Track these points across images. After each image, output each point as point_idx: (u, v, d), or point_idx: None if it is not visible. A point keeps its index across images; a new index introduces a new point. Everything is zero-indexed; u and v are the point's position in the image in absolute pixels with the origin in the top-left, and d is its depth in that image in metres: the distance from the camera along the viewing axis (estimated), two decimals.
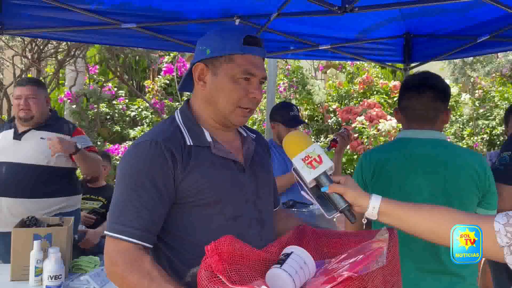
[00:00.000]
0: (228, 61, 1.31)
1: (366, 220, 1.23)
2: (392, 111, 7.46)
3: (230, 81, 1.31)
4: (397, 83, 8.85)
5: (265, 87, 5.40)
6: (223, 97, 1.32)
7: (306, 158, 1.25)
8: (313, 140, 1.32)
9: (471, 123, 9.19)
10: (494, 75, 10.12)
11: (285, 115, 3.06)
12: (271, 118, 3.18)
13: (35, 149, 2.86)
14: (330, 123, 8.84)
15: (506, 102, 9.04)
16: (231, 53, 1.31)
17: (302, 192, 1.30)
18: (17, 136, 2.92)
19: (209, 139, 1.34)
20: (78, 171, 3.68)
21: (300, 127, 3.32)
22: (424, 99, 1.79)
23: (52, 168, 2.88)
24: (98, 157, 3.17)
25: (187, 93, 9.04)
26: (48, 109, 3.03)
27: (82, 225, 3.31)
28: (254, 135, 1.52)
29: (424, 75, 1.85)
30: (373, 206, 1.20)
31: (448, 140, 1.94)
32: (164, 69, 8.72)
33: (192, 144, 1.31)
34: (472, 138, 8.90)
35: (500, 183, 2.04)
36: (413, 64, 3.97)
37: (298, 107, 3.25)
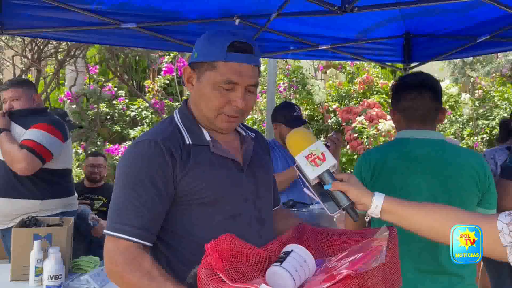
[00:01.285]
0: (211, 68, 1.28)
1: (368, 218, 1.24)
2: None
3: (211, 88, 1.28)
4: None
5: (265, 87, 5.41)
6: (204, 104, 1.31)
7: (309, 156, 1.24)
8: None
9: (471, 123, 9.19)
10: (494, 75, 10.12)
11: (287, 115, 3.03)
12: (273, 119, 3.16)
13: None
14: (330, 123, 8.84)
15: (506, 102, 9.04)
16: (214, 60, 1.28)
17: (305, 190, 1.30)
18: None
19: (208, 138, 1.34)
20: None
21: (302, 126, 3.32)
22: (425, 99, 1.79)
23: None
24: (19, 151, 2.66)
25: (187, 93, 9.01)
26: (34, 106, 2.92)
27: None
28: (254, 134, 1.51)
29: (422, 76, 1.85)
30: (376, 204, 1.20)
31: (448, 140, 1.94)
32: (164, 69, 8.71)
33: (191, 143, 1.31)
34: (472, 138, 8.90)
35: (510, 181, 2.03)
36: (413, 64, 3.97)
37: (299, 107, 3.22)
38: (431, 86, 1.82)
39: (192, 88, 1.35)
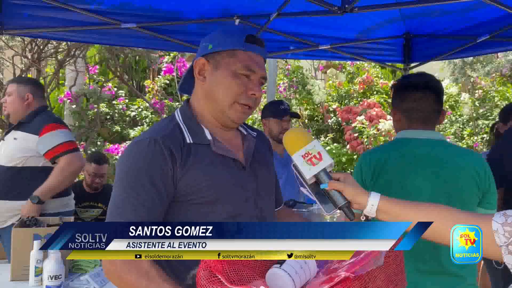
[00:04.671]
0: (230, 56, 1.32)
1: (364, 218, 1.23)
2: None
3: (230, 75, 1.32)
4: None
5: (265, 87, 5.41)
6: (222, 91, 1.32)
7: (306, 155, 1.24)
8: (313, 136, 1.32)
9: (471, 123, 9.19)
10: (494, 75, 10.12)
11: (276, 108, 3.17)
12: (262, 116, 3.25)
13: (7, 149, 2.86)
14: (330, 123, 8.85)
15: (506, 102, 9.04)
16: (234, 48, 1.32)
17: (301, 189, 1.29)
18: (3, 136, 2.98)
19: (209, 137, 1.33)
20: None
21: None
22: (429, 101, 1.80)
23: (24, 169, 2.82)
24: (62, 165, 2.78)
25: None
26: (24, 106, 2.93)
27: None
28: (255, 134, 1.51)
29: (427, 77, 1.85)
30: (372, 204, 1.20)
31: (448, 140, 1.95)
32: (164, 69, 8.71)
33: (191, 142, 1.31)
34: (472, 138, 8.90)
35: None
36: (413, 64, 3.98)
37: (289, 104, 3.34)
38: (435, 88, 1.82)
39: (204, 80, 1.36)
